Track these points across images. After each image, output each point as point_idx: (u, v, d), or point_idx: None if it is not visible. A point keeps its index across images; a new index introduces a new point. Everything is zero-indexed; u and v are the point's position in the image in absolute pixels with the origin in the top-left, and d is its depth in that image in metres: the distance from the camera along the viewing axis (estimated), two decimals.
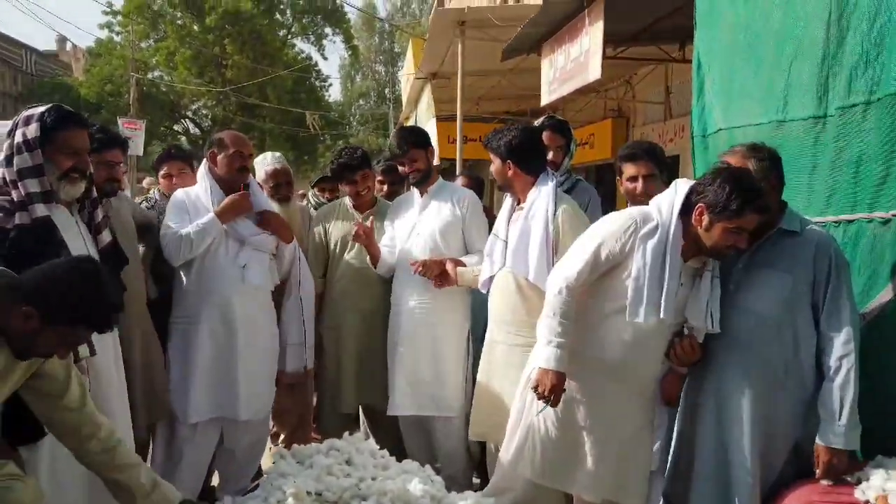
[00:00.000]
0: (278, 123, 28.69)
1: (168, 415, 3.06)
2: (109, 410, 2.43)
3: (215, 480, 3.40)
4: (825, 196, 2.46)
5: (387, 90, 42.28)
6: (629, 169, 2.91)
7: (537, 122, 3.51)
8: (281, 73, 26.99)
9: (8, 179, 2.24)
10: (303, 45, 33.75)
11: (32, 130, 2.24)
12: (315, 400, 3.91)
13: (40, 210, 2.22)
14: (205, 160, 3.20)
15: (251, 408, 3.10)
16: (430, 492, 2.10)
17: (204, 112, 31.29)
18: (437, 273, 3.20)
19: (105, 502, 2.44)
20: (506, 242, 2.91)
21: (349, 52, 34.92)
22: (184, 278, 3.10)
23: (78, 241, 2.38)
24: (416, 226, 3.37)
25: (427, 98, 9.11)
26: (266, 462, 3.55)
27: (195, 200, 3.11)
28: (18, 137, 2.24)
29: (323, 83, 33.47)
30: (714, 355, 2.36)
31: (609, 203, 5.56)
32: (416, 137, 3.47)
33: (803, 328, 2.23)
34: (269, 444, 3.84)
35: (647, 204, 2.56)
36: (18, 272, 2.16)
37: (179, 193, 3.18)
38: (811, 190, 2.51)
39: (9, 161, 2.25)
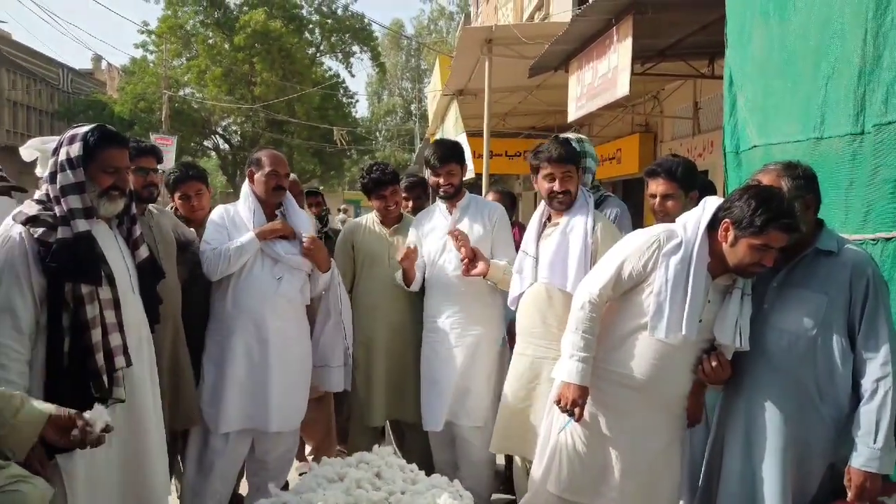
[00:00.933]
0: (306, 139, 29.04)
1: (192, 424, 3.11)
2: (144, 418, 2.48)
3: (243, 488, 3.43)
4: (862, 213, 2.42)
5: (413, 106, 42.60)
6: (650, 185, 2.92)
7: (567, 135, 3.51)
8: (309, 90, 27.34)
9: (51, 195, 2.31)
10: (331, 63, 34.26)
11: (76, 149, 2.31)
12: (339, 411, 3.94)
13: (81, 225, 2.27)
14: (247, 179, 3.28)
15: (282, 420, 3.14)
16: None
17: (233, 128, 31.78)
18: (470, 256, 3.16)
19: (136, 503, 2.49)
20: (535, 259, 2.92)
21: (376, 70, 35.29)
22: (220, 291, 3.16)
23: (116, 256, 2.44)
24: (448, 242, 3.36)
25: (454, 114, 9.16)
26: (291, 473, 3.58)
27: (234, 217, 3.19)
28: (63, 156, 2.32)
29: (350, 99, 33.85)
30: (746, 374, 2.33)
31: (637, 218, 5.54)
32: (455, 152, 3.49)
33: (838, 349, 2.18)
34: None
35: (673, 221, 2.57)
36: (59, 284, 2.23)
37: (219, 210, 3.27)
38: (848, 207, 2.47)
39: (53, 178, 2.32)
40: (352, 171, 37.78)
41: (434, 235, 3.44)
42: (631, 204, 4.04)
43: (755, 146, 2.96)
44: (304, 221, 3.32)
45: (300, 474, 3.90)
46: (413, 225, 3.59)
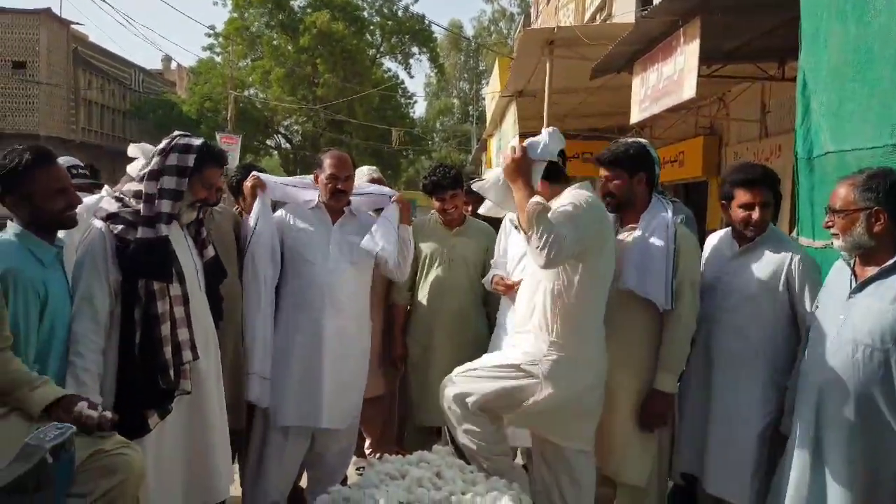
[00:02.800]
0: (364, 139, 29.45)
1: (241, 424, 3.17)
2: (208, 411, 2.57)
3: (304, 481, 3.52)
4: None
5: (470, 107, 42.67)
6: (743, 195, 2.74)
7: (627, 140, 3.44)
8: (369, 91, 27.71)
9: (145, 192, 2.42)
10: (390, 64, 34.62)
11: (189, 160, 2.44)
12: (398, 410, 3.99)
13: (164, 230, 2.40)
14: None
15: (335, 417, 3.17)
16: None
17: (295, 128, 32.50)
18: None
19: (200, 496, 2.59)
20: None
21: (435, 71, 35.49)
22: (281, 289, 3.22)
23: (186, 255, 2.55)
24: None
25: (512, 116, 9.14)
26: (350, 469, 3.65)
27: (295, 217, 3.22)
28: (172, 161, 2.44)
29: (408, 100, 34.16)
30: (815, 384, 2.28)
31: (700, 224, 5.42)
32: (635, 151, 3.36)
33: None
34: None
35: (754, 232, 2.64)
36: (133, 279, 2.35)
37: (284, 210, 3.29)
38: None
39: (153, 176, 2.43)
40: (408, 170, 38.10)
41: (515, 240, 3.30)
42: (693, 209, 3.95)
43: (829, 152, 2.86)
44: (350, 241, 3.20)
45: (357, 469, 3.98)
46: (504, 224, 3.48)
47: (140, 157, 3.14)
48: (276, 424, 3.15)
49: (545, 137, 2.63)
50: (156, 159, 2.47)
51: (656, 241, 2.73)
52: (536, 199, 2.41)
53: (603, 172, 2.89)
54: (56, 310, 2.23)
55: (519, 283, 2.97)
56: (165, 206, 2.40)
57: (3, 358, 2.00)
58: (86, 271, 2.33)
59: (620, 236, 2.88)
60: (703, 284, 2.86)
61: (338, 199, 3.18)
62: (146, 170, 2.48)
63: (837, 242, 2.37)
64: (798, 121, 3.08)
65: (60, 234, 2.41)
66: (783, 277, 2.66)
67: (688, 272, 2.73)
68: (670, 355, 2.71)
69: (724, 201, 2.88)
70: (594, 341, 2.61)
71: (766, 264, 2.71)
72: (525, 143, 2.63)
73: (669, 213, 2.79)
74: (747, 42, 5.65)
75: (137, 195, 2.44)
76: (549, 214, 2.37)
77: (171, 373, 2.38)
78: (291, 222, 3.22)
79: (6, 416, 1.93)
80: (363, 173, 3.90)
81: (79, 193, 2.40)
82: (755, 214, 2.71)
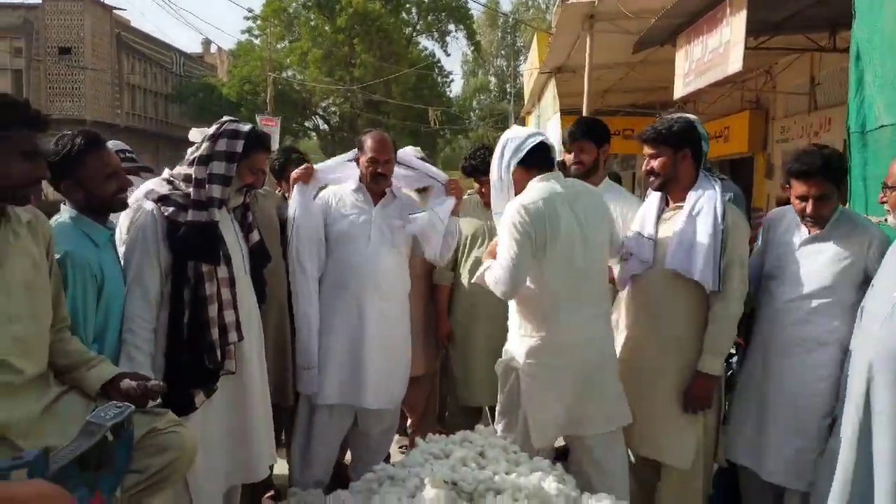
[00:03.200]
0: (401, 119, 29.46)
1: (288, 402, 3.23)
2: (251, 390, 2.63)
3: (348, 457, 3.59)
4: None
5: (507, 85, 42.24)
6: (798, 187, 2.60)
7: (673, 116, 3.37)
8: (405, 70, 27.64)
9: (195, 177, 2.46)
10: (426, 43, 34.44)
11: (238, 146, 2.48)
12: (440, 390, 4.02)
13: (216, 214, 2.45)
14: None
15: (379, 397, 3.20)
16: (565, 491, 2.10)
17: (332, 109, 32.65)
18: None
19: (241, 475, 2.66)
20: (654, 241, 2.80)
21: (472, 48, 35.20)
22: (326, 270, 3.24)
23: (232, 238, 2.60)
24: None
25: (552, 92, 9.02)
26: (392, 447, 3.70)
27: (339, 199, 3.23)
28: (222, 146, 2.48)
29: (445, 79, 33.98)
30: (863, 364, 2.22)
31: (746, 199, 5.29)
32: (588, 128, 3.34)
33: None
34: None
35: (811, 224, 2.59)
36: (183, 261, 2.40)
37: (326, 193, 3.31)
38: None
39: (204, 161, 2.48)
40: (445, 150, 38.01)
41: None
42: (739, 185, 3.84)
43: (883, 125, 2.76)
44: (391, 217, 3.23)
45: (400, 447, 4.03)
46: None
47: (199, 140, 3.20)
48: (320, 402, 3.20)
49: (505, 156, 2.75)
50: (206, 144, 2.51)
51: (704, 219, 2.65)
52: (482, 268, 2.87)
53: (646, 150, 2.82)
54: (111, 291, 2.29)
55: None
56: (216, 191, 2.44)
57: (62, 338, 2.07)
58: (137, 252, 2.39)
59: (666, 215, 2.82)
60: (768, 270, 2.75)
61: (378, 182, 3.18)
62: (196, 154, 2.52)
63: (892, 219, 2.30)
64: (851, 93, 2.98)
65: (112, 216, 2.48)
66: (862, 266, 2.51)
67: (737, 252, 2.65)
68: (717, 337, 2.64)
69: (786, 185, 2.76)
70: (565, 326, 2.65)
71: (841, 252, 2.55)
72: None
73: (718, 191, 2.70)
74: (797, 12, 5.46)
75: (188, 179, 2.48)
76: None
77: (218, 353, 2.43)
78: (333, 205, 3.24)
79: (67, 392, 2.00)
80: (407, 153, 3.90)
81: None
82: (809, 207, 2.58)
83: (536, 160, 2.70)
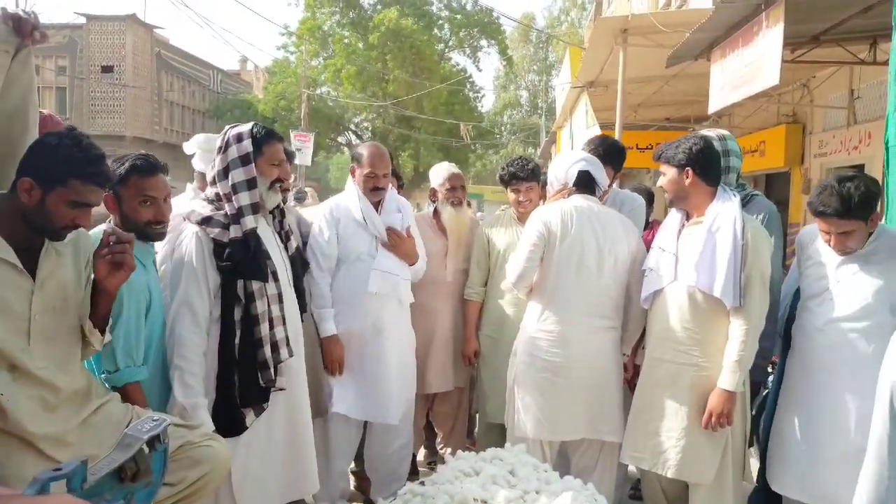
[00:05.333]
0: (433, 134, 29.60)
1: (323, 413, 3.24)
2: (301, 406, 2.65)
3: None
4: None
5: (539, 100, 42.21)
6: (821, 224, 2.59)
7: (707, 132, 3.34)
8: (437, 86, 27.82)
9: (222, 193, 2.48)
10: (458, 58, 34.63)
11: (246, 146, 2.46)
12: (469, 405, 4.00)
13: (250, 222, 2.43)
14: None
15: (397, 412, 3.20)
16: None
17: (365, 125, 32.96)
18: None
19: (296, 491, 2.65)
20: (675, 256, 2.81)
21: (504, 63, 35.30)
22: (333, 283, 3.24)
23: (274, 248, 2.58)
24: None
25: (584, 107, 8.99)
26: (421, 462, 3.69)
27: (342, 211, 3.24)
28: (233, 154, 2.47)
29: (476, 94, 34.08)
30: (886, 384, 2.15)
31: (783, 216, 5.19)
32: (605, 148, 3.48)
33: None
34: (422, 448, 3.97)
35: (841, 254, 2.58)
36: (232, 281, 2.40)
37: (329, 204, 3.34)
38: None
39: (223, 175, 2.48)
40: (476, 165, 38.05)
41: None
42: (775, 200, 3.79)
43: None
44: (394, 219, 3.26)
45: (429, 463, 4.01)
46: None
47: (196, 150, 3.27)
48: (341, 412, 3.18)
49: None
50: (218, 158, 2.51)
51: (723, 235, 2.64)
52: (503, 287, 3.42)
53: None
54: (155, 313, 2.33)
55: None
56: (244, 198, 2.43)
57: None
58: (185, 276, 2.39)
59: (686, 230, 2.82)
60: (806, 288, 2.71)
61: (376, 195, 3.23)
62: (214, 171, 2.53)
63: None
64: (890, 107, 2.93)
65: None
66: None
67: (757, 267, 2.63)
68: (737, 353, 2.61)
69: None
70: (567, 327, 2.89)
71: (881, 272, 2.51)
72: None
73: (737, 206, 2.69)
74: (836, 24, 5.37)
75: (218, 197, 2.50)
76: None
77: (272, 371, 2.43)
78: (341, 220, 3.23)
79: (106, 404, 2.04)
80: (444, 167, 3.92)
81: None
82: (832, 242, 2.57)
83: (582, 185, 3.07)
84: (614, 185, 3.57)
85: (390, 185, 3.36)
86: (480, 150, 36.04)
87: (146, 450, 1.36)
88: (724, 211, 2.69)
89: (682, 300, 2.75)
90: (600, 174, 3.10)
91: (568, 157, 3.17)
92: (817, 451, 2.61)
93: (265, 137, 2.50)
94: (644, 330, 3.01)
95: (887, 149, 2.93)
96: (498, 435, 3.58)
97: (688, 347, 2.73)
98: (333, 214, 3.24)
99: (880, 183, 2.98)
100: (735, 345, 2.62)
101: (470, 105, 32.55)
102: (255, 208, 2.46)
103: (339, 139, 33.67)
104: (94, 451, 1.76)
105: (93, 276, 2.04)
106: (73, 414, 1.92)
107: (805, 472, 2.63)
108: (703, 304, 2.70)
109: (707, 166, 2.77)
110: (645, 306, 2.95)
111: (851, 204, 2.44)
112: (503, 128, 43.28)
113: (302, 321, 2.75)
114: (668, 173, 2.82)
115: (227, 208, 2.45)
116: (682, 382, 2.73)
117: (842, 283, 2.58)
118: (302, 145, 18.49)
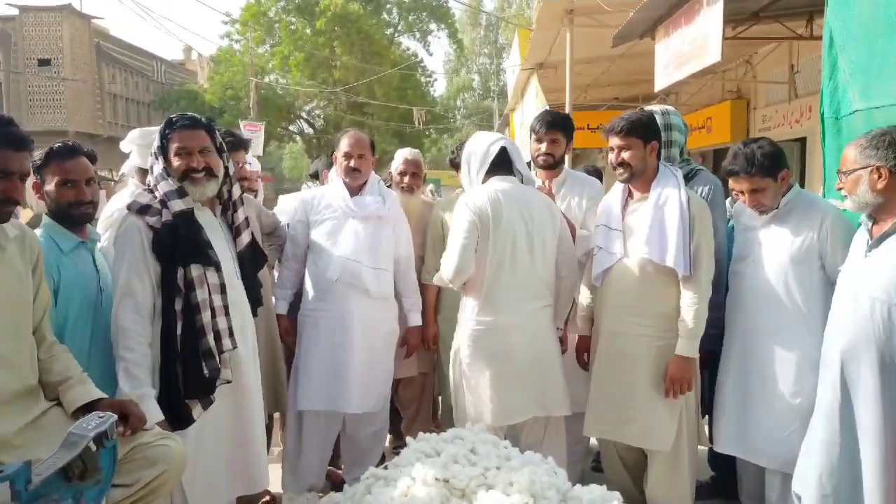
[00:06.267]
0: (386, 120, 29.42)
1: (282, 408, 3.25)
2: (249, 399, 2.58)
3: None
4: None
5: (491, 83, 42.29)
6: (734, 184, 2.80)
7: (652, 108, 3.39)
8: (388, 71, 27.62)
9: (152, 184, 2.45)
10: (408, 43, 34.46)
11: (157, 140, 2.46)
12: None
13: (176, 205, 2.36)
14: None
15: (364, 402, 3.20)
16: (556, 484, 2.10)
17: (317, 112, 32.56)
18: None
19: (243, 486, 2.61)
20: (622, 233, 2.88)
21: (454, 47, 35.24)
22: (306, 273, 3.26)
23: (221, 242, 2.51)
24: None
25: (534, 89, 9.05)
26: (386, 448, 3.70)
27: (321, 199, 3.27)
28: (154, 147, 2.48)
29: (428, 79, 33.97)
30: (834, 349, 2.27)
31: (727, 189, 5.32)
32: (565, 122, 3.43)
33: None
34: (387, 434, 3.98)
35: (761, 212, 2.74)
36: (173, 270, 2.34)
37: (308, 193, 3.35)
38: None
39: (152, 168, 2.48)
40: (431, 150, 37.98)
41: None
42: (722, 176, 3.87)
43: (857, 110, 2.79)
44: (371, 203, 3.22)
45: (394, 448, 4.03)
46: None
47: (132, 147, 3.20)
48: (307, 408, 3.20)
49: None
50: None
51: (671, 209, 2.74)
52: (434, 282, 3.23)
53: (616, 142, 2.85)
54: (69, 296, 2.30)
55: None
56: (163, 186, 2.40)
57: (51, 355, 2.07)
58: (124, 265, 2.33)
59: (631, 207, 2.89)
60: (736, 255, 2.87)
61: (353, 177, 3.23)
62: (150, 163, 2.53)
63: (847, 203, 2.35)
64: (824, 80, 3.01)
65: (100, 228, 2.47)
66: (816, 241, 2.63)
67: (703, 238, 2.75)
68: (692, 321, 2.71)
69: None
70: (505, 314, 2.87)
71: (796, 230, 2.69)
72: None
73: (680, 181, 2.80)
74: (774, 0, 5.51)
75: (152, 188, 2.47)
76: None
77: (217, 359, 2.37)
78: (314, 206, 3.27)
79: (54, 407, 1.99)
80: (405, 152, 3.90)
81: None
82: (747, 200, 2.75)
83: (499, 165, 2.94)
84: (565, 166, 3.57)
85: (376, 175, 3.37)
86: (435, 135, 36.00)
87: (93, 447, 1.33)
88: (670, 186, 2.78)
89: (633, 274, 2.84)
90: (517, 155, 3.03)
91: (486, 135, 3.07)
92: (748, 407, 2.78)
93: (167, 128, 2.47)
94: (574, 301, 3.11)
95: (823, 121, 3.03)
96: None
97: (642, 319, 2.82)
98: (308, 200, 3.27)
99: (820, 154, 3.10)
100: (689, 313, 2.72)
101: (422, 90, 32.43)
102: (182, 192, 2.40)
103: (291, 127, 33.20)
104: (45, 454, 1.71)
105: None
106: (18, 415, 1.87)
107: (737, 428, 2.81)
108: (653, 276, 2.79)
109: (661, 141, 2.88)
110: (596, 284, 3.01)
111: (755, 160, 2.68)
112: (457, 112, 43.26)
113: (255, 315, 2.70)
114: (634, 146, 2.81)
115: (158, 195, 2.41)
116: (639, 353, 2.81)
117: (764, 245, 2.76)
118: (252, 135, 18.15)
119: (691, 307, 2.72)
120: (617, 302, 2.90)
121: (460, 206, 2.91)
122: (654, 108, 3.28)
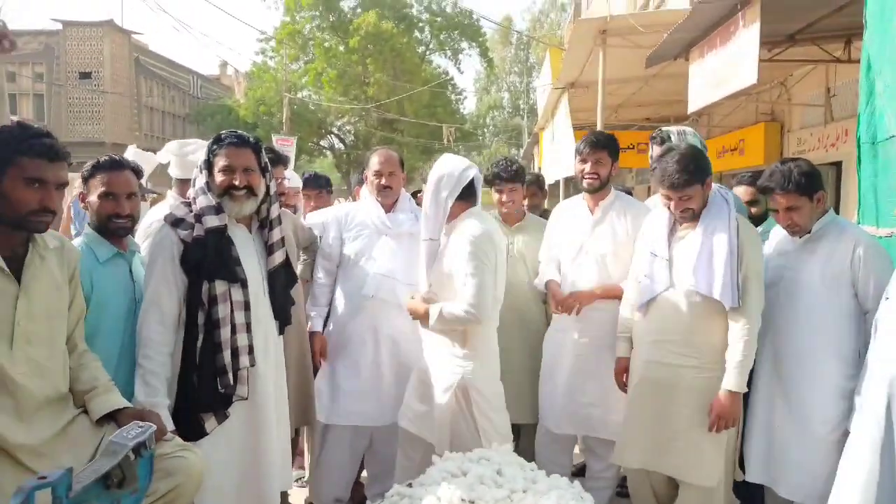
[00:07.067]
0: (415, 137, 29.62)
1: (308, 422, 3.25)
2: (265, 416, 2.53)
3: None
4: None
5: (521, 101, 42.36)
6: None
7: (668, 128, 3.31)
8: (419, 88, 27.84)
9: (192, 197, 2.48)
10: (440, 61, 34.72)
11: (203, 154, 2.50)
12: None
13: (210, 221, 2.39)
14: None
15: (394, 414, 3.16)
16: None
17: (347, 128, 32.90)
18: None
19: (252, 501, 2.60)
20: (669, 262, 2.80)
21: (485, 66, 35.42)
22: (338, 289, 3.29)
23: (251, 259, 2.51)
24: (585, 245, 3.26)
25: (565, 108, 9.05)
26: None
27: (354, 215, 3.30)
28: (200, 161, 2.51)
29: (458, 96, 34.14)
30: (882, 379, 2.19)
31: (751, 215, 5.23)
32: (609, 142, 3.29)
33: None
34: None
35: (793, 233, 2.68)
36: (199, 284, 2.36)
37: (340, 210, 3.38)
38: None
39: (194, 181, 2.51)
40: None
41: (569, 236, 3.32)
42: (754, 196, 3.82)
43: (894, 136, 2.75)
44: (403, 220, 3.26)
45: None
46: (554, 211, 3.50)
47: (171, 157, 3.28)
48: (333, 422, 3.22)
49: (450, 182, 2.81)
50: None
51: (720, 237, 2.65)
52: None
53: (677, 195, 2.71)
54: (101, 305, 2.34)
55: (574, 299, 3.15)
56: (202, 201, 2.42)
57: (81, 363, 2.11)
58: (154, 275, 2.38)
59: (680, 234, 2.81)
60: (767, 280, 2.77)
61: (385, 195, 3.26)
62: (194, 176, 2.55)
63: None
64: (861, 104, 2.97)
65: (138, 239, 2.52)
66: (848, 268, 2.56)
67: (753, 267, 2.66)
68: (741, 353, 2.62)
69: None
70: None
71: (828, 255, 2.62)
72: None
73: (731, 207, 2.72)
74: (811, 23, 5.46)
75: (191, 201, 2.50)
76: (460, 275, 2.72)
77: (230, 376, 2.38)
78: (347, 223, 3.30)
79: (81, 415, 2.02)
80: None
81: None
82: (781, 218, 2.71)
83: (470, 193, 2.83)
84: (611, 187, 3.38)
85: (407, 193, 3.41)
86: (464, 152, 36.09)
87: (132, 456, 1.35)
88: (720, 213, 2.71)
89: (679, 304, 2.75)
90: (480, 184, 2.93)
91: (458, 160, 2.91)
92: (775, 435, 2.71)
93: (214, 145, 2.48)
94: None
95: (859, 146, 2.98)
96: None
97: (686, 350, 2.74)
98: (341, 217, 3.31)
99: (856, 179, 3.05)
100: (738, 345, 2.62)
101: (452, 107, 32.62)
102: (218, 209, 2.42)
103: (322, 143, 33.58)
104: (69, 462, 1.73)
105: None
106: (49, 423, 1.90)
107: (765, 456, 2.75)
108: (701, 306, 2.70)
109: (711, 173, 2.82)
110: (640, 312, 2.92)
111: (792, 177, 2.63)
112: (486, 129, 43.38)
113: (281, 333, 2.69)
114: (695, 194, 2.71)
115: (194, 209, 2.44)
116: (682, 384, 2.73)
117: (797, 270, 2.70)
118: (285, 149, 18.42)
119: (740, 339, 2.62)
120: (661, 331, 2.81)
121: (474, 244, 2.71)
122: (671, 128, 3.26)
